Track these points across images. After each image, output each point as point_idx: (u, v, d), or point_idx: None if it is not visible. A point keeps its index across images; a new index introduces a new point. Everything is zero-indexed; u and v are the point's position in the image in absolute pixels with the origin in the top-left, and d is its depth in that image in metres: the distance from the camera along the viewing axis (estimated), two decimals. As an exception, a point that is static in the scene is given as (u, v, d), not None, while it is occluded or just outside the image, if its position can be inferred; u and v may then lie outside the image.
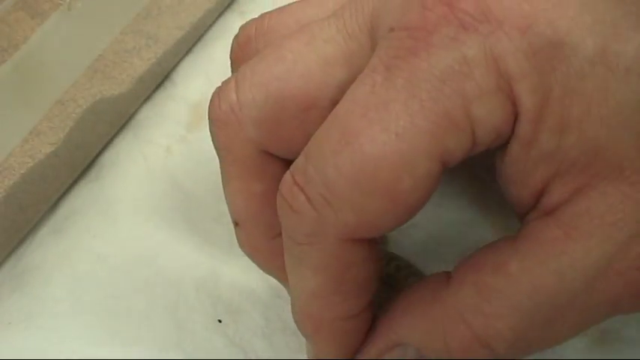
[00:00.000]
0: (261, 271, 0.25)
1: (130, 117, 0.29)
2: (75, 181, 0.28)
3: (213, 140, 0.21)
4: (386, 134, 0.17)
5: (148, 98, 0.30)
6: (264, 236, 0.21)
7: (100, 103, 0.28)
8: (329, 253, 0.18)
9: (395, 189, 0.17)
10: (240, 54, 0.23)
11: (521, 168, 0.18)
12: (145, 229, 0.27)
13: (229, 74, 0.30)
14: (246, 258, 0.25)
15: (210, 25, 0.32)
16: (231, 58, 0.24)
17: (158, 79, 0.30)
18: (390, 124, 0.17)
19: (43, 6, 0.29)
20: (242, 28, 0.23)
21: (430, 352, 0.19)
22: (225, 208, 0.27)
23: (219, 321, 0.24)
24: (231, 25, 0.32)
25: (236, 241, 0.26)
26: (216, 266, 0.26)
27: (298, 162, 0.18)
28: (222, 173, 0.22)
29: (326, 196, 0.17)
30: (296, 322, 0.20)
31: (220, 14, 0.32)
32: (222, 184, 0.22)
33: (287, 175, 0.18)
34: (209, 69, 0.30)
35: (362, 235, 0.18)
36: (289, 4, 0.23)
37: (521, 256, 0.18)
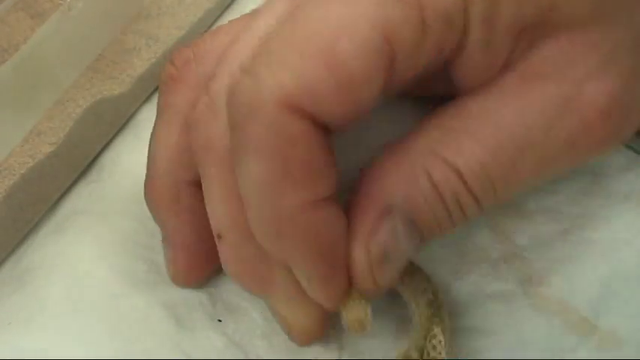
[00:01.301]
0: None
1: (130, 117, 0.30)
2: (75, 181, 0.28)
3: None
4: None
5: (148, 98, 0.30)
6: (255, 248, 0.20)
7: (100, 103, 0.28)
8: (269, 126, 0.17)
9: (332, 51, 0.17)
10: (177, 74, 0.23)
11: (486, 63, 0.18)
12: (146, 229, 0.27)
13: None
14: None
15: (210, 26, 0.32)
16: (162, 79, 0.23)
17: (158, 79, 0.30)
18: None
19: (43, 6, 0.29)
20: (177, 52, 0.23)
21: (418, 203, 0.19)
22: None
23: (219, 320, 0.24)
24: (232, 26, 0.32)
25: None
26: (217, 266, 0.26)
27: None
28: (203, 179, 0.21)
29: (262, 60, 0.17)
30: (261, 240, 0.19)
31: (220, 14, 0.32)
32: (205, 191, 0.21)
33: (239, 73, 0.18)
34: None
35: (302, 103, 0.17)
36: (220, 26, 0.23)
37: (481, 99, 0.19)
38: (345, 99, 0.17)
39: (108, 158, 0.29)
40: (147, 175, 0.24)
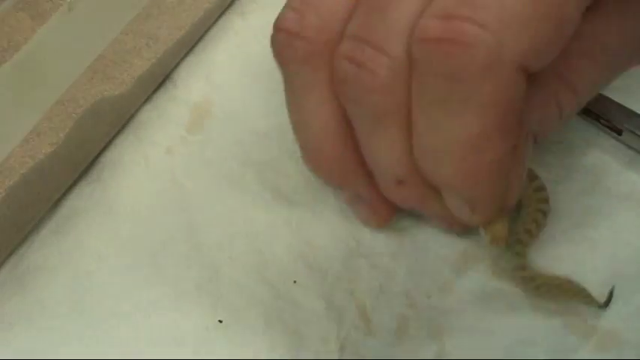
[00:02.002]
0: (261, 271, 0.25)
1: (131, 117, 0.30)
2: (76, 182, 0.28)
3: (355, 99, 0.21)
4: None
5: (148, 99, 0.30)
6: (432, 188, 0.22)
7: (101, 104, 0.28)
8: (504, 86, 0.18)
9: (561, 11, 0.18)
10: (309, 46, 0.22)
11: None
12: (146, 229, 0.27)
13: (230, 74, 0.30)
14: (247, 259, 0.26)
15: (211, 26, 0.32)
16: (285, 53, 0.22)
17: (158, 79, 0.30)
18: None
19: (43, 6, 0.29)
20: (288, 20, 0.22)
21: (547, 126, 0.23)
22: (225, 208, 0.27)
23: (220, 321, 0.25)
24: (232, 26, 0.32)
25: (235, 241, 0.26)
26: (217, 266, 0.26)
27: (440, 2, 0.18)
28: (375, 129, 0.21)
29: (504, 20, 0.17)
30: (447, 180, 0.20)
31: (221, 14, 0.32)
32: (376, 141, 0.21)
33: (433, 20, 0.18)
34: (210, 70, 0.31)
35: (533, 62, 0.18)
36: None
37: (590, 21, 0.20)
38: (560, 47, 0.19)
39: (108, 158, 0.29)
40: (310, 148, 0.24)
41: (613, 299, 0.24)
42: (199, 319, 0.25)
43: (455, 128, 0.19)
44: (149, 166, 0.28)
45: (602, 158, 0.26)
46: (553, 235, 0.25)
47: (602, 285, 0.24)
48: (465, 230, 0.25)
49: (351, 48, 0.20)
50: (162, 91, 0.30)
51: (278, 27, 0.22)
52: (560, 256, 0.25)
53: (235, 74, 0.30)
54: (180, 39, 0.30)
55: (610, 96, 0.26)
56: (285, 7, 0.22)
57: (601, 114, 0.26)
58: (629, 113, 0.26)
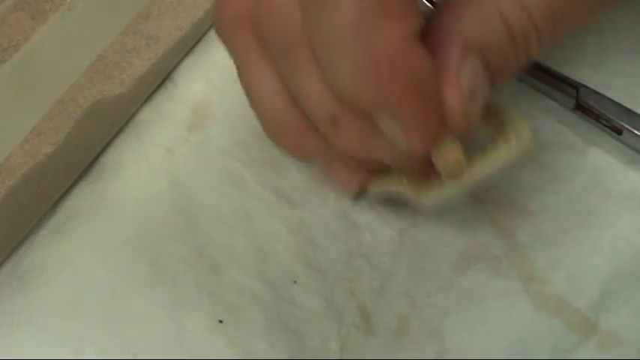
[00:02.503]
0: (261, 271, 0.25)
1: (131, 117, 0.30)
2: (76, 182, 0.28)
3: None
4: None
5: (148, 99, 0.30)
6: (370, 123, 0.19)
7: (101, 104, 0.28)
8: None
9: None
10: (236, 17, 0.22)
11: None
12: (146, 229, 0.27)
13: (230, 75, 0.30)
14: (247, 259, 0.26)
15: (211, 26, 0.32)
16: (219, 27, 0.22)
17: (159, 79, 0.30)
18: None
19: (43, 6, 0.29)
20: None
21: (492, 43, 0.19)
22: (225, 208, 0.27)
23: (220, 321, 0.25)
24: (232, 26, 0.32)
25: (236, 241, 0.26)
26: (217, 266, 0.26)
27: None
28: (294, 76, 0.20)
29: None
30: (354, 91, 0.18)
31: (220, 14, 0.32)
32: (299, 86, 0.20)
33: None
34: (210, 70, 0.31)
35: None
36: None
37: None
38: None
39: (108, 158, 0.29)
40: (263, 119, 0.23)
41: (613, 299, 0.24)
42: (199, 319, 0.25)
43: (333, 20, 0.17)
44: (149, 166, 0.28)
45: (602, 158, 0.26)
46: (553, 234, 0.25)
47: (603, 284, 0.24)
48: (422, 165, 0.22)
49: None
50: (162, 91, 0.30)
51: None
52: (560, 256, 0.25)
53: (235, 74, 0.30)
54: (180, 39, 0.31)
55: (610, 96, 0.26)
56: None
57: (601, 114, 0.26)
58: (629, 113, 0.26)
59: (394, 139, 0.19)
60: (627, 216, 0.25)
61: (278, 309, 0.25)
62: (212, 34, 0.32)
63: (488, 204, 0.26)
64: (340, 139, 0.21)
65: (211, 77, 0.30)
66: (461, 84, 0.19)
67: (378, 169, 0.24)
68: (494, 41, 0.20)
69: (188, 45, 0.31)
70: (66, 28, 0.28)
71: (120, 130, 0.29)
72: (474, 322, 0.24)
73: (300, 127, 0.22)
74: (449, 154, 0.20)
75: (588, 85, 0.27)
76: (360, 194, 0.25)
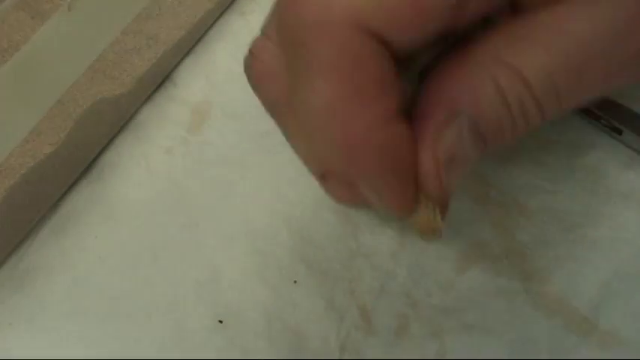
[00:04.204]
0: (261, 271, 0.25)
1: (131, 118, 0.30)
2: (75, 182, 0.28)
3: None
4: None
5: (148, 99, 0.30)
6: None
7: (101, 104, 0.28)
8: (341, 45, 0.17)
9: None
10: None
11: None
12: (146, 229, 0.27)
13: (230, 75, 0.30)
14: (247, 259, 0.26)
15: (211, 26, 0.32)
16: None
17: (158, 79, 0.30)
18: None
19: (43, 6, 0.29)
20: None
21: (483, 108, 0.19)
22: (225, 209, 0.27)
23: (220, 321, 0.25)
24: (232, 26, 0.32)
25: (235, 241, 0.26)
26: (217, 267, 0.26)
27: None
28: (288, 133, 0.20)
29: None
30: (330, 164, 0.19)
31: (221, 14, 0.32)
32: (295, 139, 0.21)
33: None
34: (210, 70, 0.31)
35: (374, 23, 0.17)
36: None
37: (550, 9, 0.18)
38: (416, 21, 0.17)
39: (108, 158, 0.29)
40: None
41: (613, 299, 0.24)
42: (199, 320, 0.25)
43: (309, 97, 0.18)
44: (149, 166, 0.28)
45: (602, 158, 0.26)
46: (553, 234, 0.25)
47: (603, 284, 0.24)
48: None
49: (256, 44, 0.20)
50: (162, 91, 0.30)
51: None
52: (560, 255, 0.25)
53: (235, 74, 0.30)
54: (180, 39, 0.31)
55: (610, 96, 0.27)
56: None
57: (601, 114, 0.27)
58: (630, 113, 0.26)
59: (372, 202, 0.20)
60: (627, 215, 0.25)
61: (278, 309, 0.25)
62: (212, 34, 0.32)
63: (488, 204, 0.26)
64: (330, 191, 0.22)
65: (211, 77, 0.30)
66: (437, 148, 0.19)
67: None
68: (486, 107, 0.19)
69: (188, 45, 0.31)
70: (66, 28, 0.28)
71: (120, 131, 0.29)
72: (474, 322, 0.24)
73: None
74: (423, 220, 0.20)
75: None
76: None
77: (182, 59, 0.31)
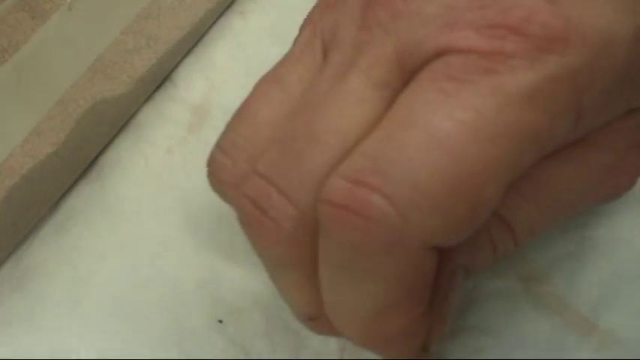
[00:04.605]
0: (261, 271, 0.25)
1: (131, 117, 0.30)
2: (76, 182, 0.28)
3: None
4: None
5: (148, 99, 0.30)
6: None
7: (101, 104, 0.28)
8: (409, 263, 0.17)
9: (480, 195, 0.17)
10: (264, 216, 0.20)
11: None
12: (146, 229, 0.27)
13: (230, 75, 0.30)
14: (247, 260, 0.26)
15: (211, 26, 0.32)
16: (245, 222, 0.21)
17: (159, 79, 0.30)
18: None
19: (43, 6, 0.29)
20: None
21: (479, 261, 0.21)
22: (225, 208, 0.27)
23: (220, 321, 0.25)
24: (232, 26, 0.32)
25: (235, 241, 0.26)
26: (217, 266, 0.26)
27: (358, 162, 0.17)
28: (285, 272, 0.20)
29: (414, 198, 0.16)
30: (355, 341, 0.19)
31: (221, 14, 0.32)
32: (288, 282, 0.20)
33: (341, 181, 0.17)
34: (210, 70, 0.31)
35: (443, 241, 0.17)
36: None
37: (543, 166, 0.20)
38: (475, 227, 0.17)
39: (108, 158, 0.29)
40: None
41: (613, 299, 0.24)
42: (199, 319, 0.25)
43: (359, 296, 0.18)
44: (149, 166, 0.28)
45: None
46: (553, 235, 0.25)
47: (602, 284, 0.24)
48: None
49: (258, 189, 0.19)
50: (162, 91, 0.30)
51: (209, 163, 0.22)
52: (560, 255, 0.25)
53: (235, 74, 0.30)
54: (180, 39, 0.31)
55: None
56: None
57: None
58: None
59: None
60: (627, 215, 0.25)
61: (278, 309, 0.25)
62: (212, 34, 0.32)
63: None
64: (314, 328, 0.22)
65: (211, 77, 0.30)
66: (447, 312, 0.20)
67: None
68: (479, 258, 0.21)
69: (188, 45, 0.31)
70: (66, 28, 0.28)
71: (120, 131, 0.29)
72: (473, 322, 0.24)
73: None
74: None
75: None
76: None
77: (182, 59, 0.31)
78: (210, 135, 0.29)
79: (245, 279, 0.26)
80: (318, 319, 0.21)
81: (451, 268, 0.20)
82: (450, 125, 0.16)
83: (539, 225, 0.21)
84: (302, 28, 0.21)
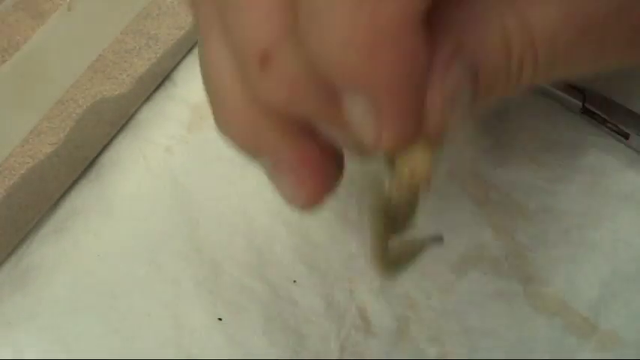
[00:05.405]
0: (261, 270, 0.26)
1: (131, 117, 0.30)
2: (75, 181, 0.28)
3: None
4: None
5: (148, 98, 0.30)
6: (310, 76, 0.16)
7: (100, 103, 0.29)
8: None
9: None
10: None
11: None
12: (145, 228, 0.27)
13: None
14: (246, 258, 0.26)
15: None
16: None
17: (158, 79, 0.30)
18: None
19: (43, 6, 0.29)
20: None
21: (486, 51, 0.17)
22: (225, 208, 0.27)
23: (220, 319, 0.25)
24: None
25: (235, 241, 0.26)
26: (217, 265, 0.26)
27: None
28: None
29: None
30: (340, 63, 0.16)
31: (221, 14, 0.32)
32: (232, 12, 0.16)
33: None
34: (210, 69, 0.31)
35: None
36: None
37: None
38: None
39: (108, 158, 0.29)
40: (217, 106, 0.20)
41: (613, 300, 0.24)
42: (199, 318, 0.25)
43: None
44: (149, 165, 0.28)
45: (602, 158, 0.26)
46: (553, 235, 0.25)
47: (602, 285, 0.24)
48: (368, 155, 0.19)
49: None
50: (162, 90, 0.30)
51: None
52: (560, 256, 0.25)
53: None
54: (180, 39, 0.31)
55: (616, 100, 0.26)
56: None
57: (607, 118, 0.26)
58: (637, 117, 0.26)
59: (357, 126, 0.17)
60: (627, 216, 0.25)
61: (278, 308, 0.25)
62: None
63: (487, 205, 0.26)
64: (265, 85, 0.17)
65: (211, 77, 0.30)
66: (444, 86, 0.17)
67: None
68: (489, 50, 0.18)
69: (188, 45, 0.31)
70: (66, 28, 0.29)
71: (119, 130, 0.29)
72: (473, 323, 0.24)
73: (260, 117, 0.19)
74: (418, 164, 0.18)
75: (595, 89, 0.27)
76: (308, 206, 0.21)
77: (182, 59, 0.31)
78: (210, 134, 0.29)
79: (245, 278, 0.26)
80: (274, 57, 0.17)
81: (455, 46, 0.17)
82: None
83: (563, 42, 0.18)
84: None
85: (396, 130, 0.17)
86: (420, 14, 0.16)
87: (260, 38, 0.16)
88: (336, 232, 0.26)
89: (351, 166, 0.20)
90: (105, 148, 0.29)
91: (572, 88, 0.27)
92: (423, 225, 0.26)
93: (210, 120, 0.29)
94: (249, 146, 0.20)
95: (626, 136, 0.26)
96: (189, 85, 0.30)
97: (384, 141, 0.17)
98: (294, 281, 0.25)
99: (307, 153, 0.19)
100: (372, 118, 0.17)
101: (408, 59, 0.16)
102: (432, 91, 0.17)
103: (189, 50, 0.31)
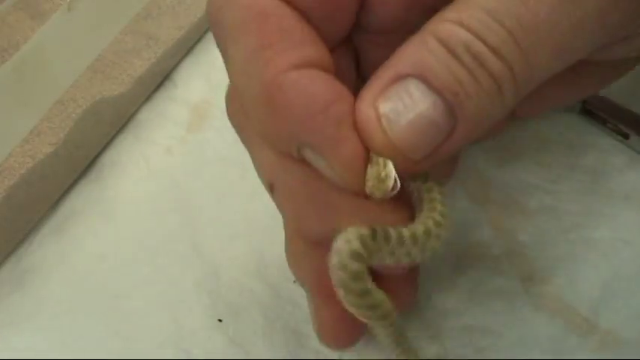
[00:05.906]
0: (261, 271, 0.26)
1: (131, 117, 0.30)
2: (75, 181, 0.28)
3: None
4: None
5: (148, 99, 0.30)
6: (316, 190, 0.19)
7: (100, 103, 0.29)
8: (241, 8, 0.18)
9: None
10: None
11: None
12: (145, 229, 0.27)
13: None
14: (246, 259, 0.26)
15: (211, 25, 0.32)
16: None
17: (158, 79, 0.31)
18: None
19: (43, 6, 0.29)
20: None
21: (429, 63, 0.18)
22: (224, 208, 0.27)
23: (220, 320, 0.25)
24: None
25: (237, 239, 0.26)
26: (217, 266, 0.26)
27: None
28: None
29: None
30: (257, 121, 0.19)
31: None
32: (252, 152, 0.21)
33: None
34: (210, 70, 0.31)
35: None
36: None
37: None
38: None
39: (108, 158, 0.29)
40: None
41: (613, 299, 0.24)
42: (199, 319, 0.25)
43: (230, 63, 0.19)
44: (149, 166, 0.28)
45: (602, 158, 0.26)
46: (553, 235, 0.25)
47: (602, 285, 0.24)
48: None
49: None
50: (162, 90, 0.30)
51: None
52: (560, 255, 0.25)
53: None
54: (180, 39, 0.31)
55: (616, 100, 0.27)
56: None
57: (608, 118, 0.27)
58: (636, 118, 0.26)
59: (325, 173, 0.19)
60: (627, 216, 0.25)
61: (277, 308, 0.25)
62: (211, 35, 0.32)
63: (488, 204, 0.26)
64: (276, 201, 0.21)
65: (211, 77, 0.30)
66: (378, 102, 0.18)
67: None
68: (432, 61, 0.18)
69: (188, 45, 0.31)
70: (66, 28, 0.29)
71: (119, 130, 0.30)
72: (473, 322, 0.24)
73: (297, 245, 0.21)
74: (376, 175, 0.18)
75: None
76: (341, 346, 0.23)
77: (182, 59, 0.31)
78: (210, 134, 0.29)
79: (245, 278, 0.26)
80: (274, 187, 0.20)
81: (394, 71, 0.18)
82: None
83: (510, 15, 0.17)
84: None
85: (341, 161, 0.18)
86: (310, 64, 0.18)
87: (267, 175, 0.20)
88: (336, 232, 0.26)
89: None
90: (105, 148, 0.29)
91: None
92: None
93: (209, 120, 0.30)
94: (297, 277, 0.22)
95: (626, 136, 0.26)
96: (189, 86, 0.31)
97: (342, 175, 0.18)
98: (294, 281, 0.25)
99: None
100: (321, 160, 0.18)
101: (312, 100, 0.18)
102: (362, 109, 0.18)
103: (189, 50, 0.31)
